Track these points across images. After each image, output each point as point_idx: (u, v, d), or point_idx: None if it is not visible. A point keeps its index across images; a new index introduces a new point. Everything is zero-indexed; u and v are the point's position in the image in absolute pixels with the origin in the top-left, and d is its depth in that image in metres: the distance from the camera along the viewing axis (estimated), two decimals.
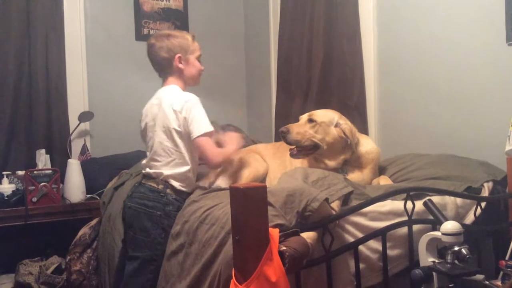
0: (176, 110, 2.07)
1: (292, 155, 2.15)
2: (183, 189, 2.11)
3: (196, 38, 2.26)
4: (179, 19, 3.80)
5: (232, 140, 2.21)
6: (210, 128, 2.07)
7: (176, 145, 2.09)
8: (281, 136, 2.14)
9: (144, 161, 2.22)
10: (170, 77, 2.21)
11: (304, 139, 2.11)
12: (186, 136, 2.09)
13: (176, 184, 2.09)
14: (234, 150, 2.17)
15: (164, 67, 2.21)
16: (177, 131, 2.08)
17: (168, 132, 2.09)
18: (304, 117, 2.20)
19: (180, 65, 2.18)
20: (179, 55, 2.17)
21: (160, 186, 2.09)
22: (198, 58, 2.25)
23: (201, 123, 2.05)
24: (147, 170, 2.16)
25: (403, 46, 2.66)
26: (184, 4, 3.83)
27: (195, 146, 2.09)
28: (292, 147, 2.14)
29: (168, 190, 2.08)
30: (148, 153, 2.20)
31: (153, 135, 2.14)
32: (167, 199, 2.07)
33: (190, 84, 2.24)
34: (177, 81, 2.20)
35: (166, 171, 2.09)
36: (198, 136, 2.04)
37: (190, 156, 2.12)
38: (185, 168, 2.10)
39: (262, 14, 3.79)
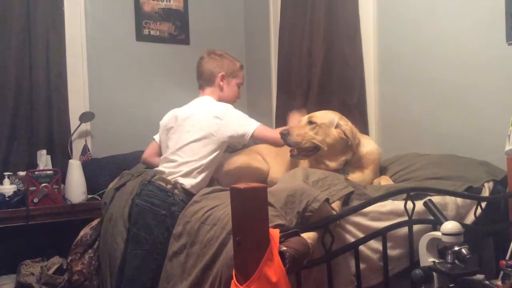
0: (218, 116, 2.18)
1: (292, 157, 2.15)
2: (193, 190, 2.14)
3: (244, 70, 2.49)
4: (179, 20, 3.81)
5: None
6: (257, 122, 2.21)
7: (204, 146, 2.18)
8: (281, 138, 2.14)
9: (161, 157, 2.31)
10: (208, 88, 2.36)
11: (304, 141, 2.11)
12: (217, 142, 2.20)
13: (187, 182, 2.15)
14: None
15: (206, 80, 2.36)
16: (212, 136, 2.18)
17: (202, 134, 2.18)
18: (304, 119, 2.19)
19: (221, 83, 2.36)
20: (223, 73, 2.35)
21: (169, 186, 2.13)
22: (239, 86, 2.43)
23: (249, 121, 2.21)
24: (163, 165, 2.24)
25: (404, 45, 2.66)
26: (185, 5, 3.83)
27: (256, 140, 2.24)
28: (293, 148, 2.14)
29: (176, 191, 2.12)
30: (167, 150, 2.28)
31: (182, 134, 2.23)
32: (173, 199, 2.10)
33: None
34: (213, 94, 2.35)
35: (184, 167, 2.17)
36: (254, 131, 2.17)
37: (211, 159, 2.21)
38: (201, 168, 2.18)
39: (262, 14, 3.79)
